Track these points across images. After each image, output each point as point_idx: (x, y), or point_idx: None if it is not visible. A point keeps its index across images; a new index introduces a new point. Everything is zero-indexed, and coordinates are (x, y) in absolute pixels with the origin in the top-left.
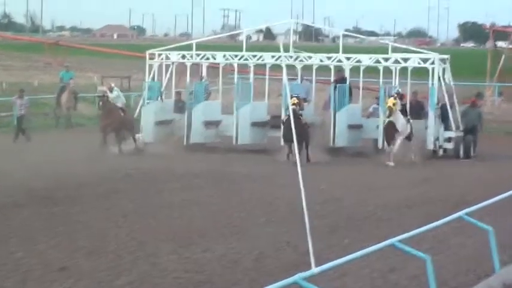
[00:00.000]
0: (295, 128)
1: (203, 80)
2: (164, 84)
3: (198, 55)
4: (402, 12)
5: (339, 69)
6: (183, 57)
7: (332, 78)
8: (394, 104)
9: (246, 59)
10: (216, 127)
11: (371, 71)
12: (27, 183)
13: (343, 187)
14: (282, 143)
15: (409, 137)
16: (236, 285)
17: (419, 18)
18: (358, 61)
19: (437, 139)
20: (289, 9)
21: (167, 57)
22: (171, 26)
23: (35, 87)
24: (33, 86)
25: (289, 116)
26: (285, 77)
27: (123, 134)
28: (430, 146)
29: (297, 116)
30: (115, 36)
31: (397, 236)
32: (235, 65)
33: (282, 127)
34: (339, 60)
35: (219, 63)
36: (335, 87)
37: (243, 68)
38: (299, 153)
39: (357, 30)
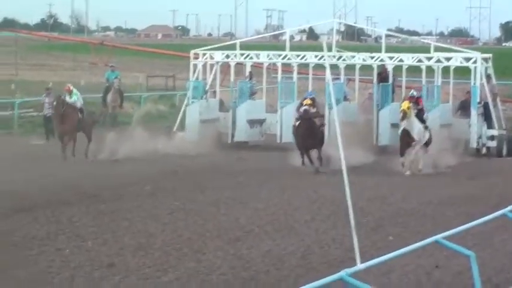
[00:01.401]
0: (309, 134)
1: (249, 80)
2: (209, 83)
3: (241, 55)
4: (444, 12)
5: (383, 70)
6: (227, 56)
7: (375, 78)
8: (408, 108)
9: (290, 59)
10: (260, 125)
11: (413, 70)
12: (74, 182)
13: (386, 185)
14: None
15: (426, 144)
16: (282, 282)
17: (461, 17)
18: (401, 60)
19: (480, 137)
20: (332, 10)
21: (211, 57)
22: (214, 26)
23: (81, 87)
24: (79, 86)
25: (301, 119)
26: (328, 76)
27: (75, 136)
28: (473, 145)
29: (310, 118)
30: (159, 36)
31: (441, 233)
32: (279, 65)
33: (295, 132)
34: (382, 60)
35: (262, 63)
36: (379, 81)
37: (287, 68)
38: (319, 156)
39: (399, 30)
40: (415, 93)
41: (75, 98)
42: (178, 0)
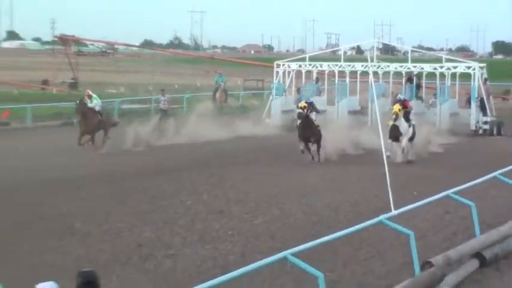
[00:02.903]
0: (306, 128)
1: (316, 83)
2: (287, 85)
3: (310, 64)
4: (451, 34)
5: (409, 75)
6: (300, 66)
7: (403, 81)
8: (400, 110)
9: (343, 67)
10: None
11: (431, 75)
12: (191, 154)
13: (412, 157)
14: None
15: (411, 139)
16: (339, 223)
17: (464, 38)
18: (422, 68)
19: (477, 122)
20: (373, 33)
21: (289, 66)
22: (290, 45)
23: (198, 88)
24: (196, 87)
25: (300, 118)
26: (371, 79)
27: (95, 134)
28: (472, 127)
29: (304, 117)
30: (252, 52)
31: (450, 189)
32: (336, 71)
33: (298, 127)
34: (408, 68)
35: (324, 70)
36: (407, 82)
37: (341, 74)
38: (311, 149)
39: (420, 47)
40: (402, 97)
41: (95, 102)
42: (266, 25)
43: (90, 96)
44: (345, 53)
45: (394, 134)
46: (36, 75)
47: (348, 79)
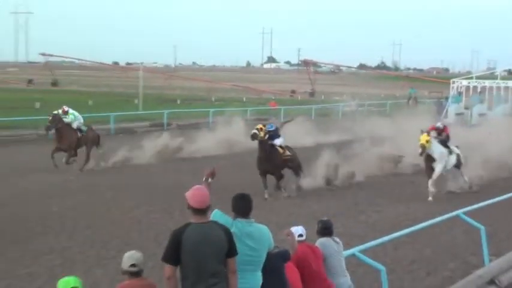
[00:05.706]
0: (266, 159)
1: (479, 94)
2: (462, 95)
3: (475, 81)
4: None
5: None
6: (468, 82)
7: None
8: (427, 141)
9: (499, 84)
10: (484, 116)
11: None
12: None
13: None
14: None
15: (457, 166)
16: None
17: None
18: None
19: None
20: None
21: (460, 83)
22: (461, 67)
23: (396, 97)
24: (394, 96)
25: (258, 143)
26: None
27: (75, 151)
28: None
29: (262, 144)
30: (434, 73)
31: None
32: (494, 87)
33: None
34: None
35: (486, 86)
36: None
37: (498, 88)
38: (279, 183)
39: None
40: (440, 125)
41: (72, 118)
42: (445, 54)
43: (65, 112)
44: (500, 73)
45: (429, 165)
46: (286, 86)
47: (502, 92)
